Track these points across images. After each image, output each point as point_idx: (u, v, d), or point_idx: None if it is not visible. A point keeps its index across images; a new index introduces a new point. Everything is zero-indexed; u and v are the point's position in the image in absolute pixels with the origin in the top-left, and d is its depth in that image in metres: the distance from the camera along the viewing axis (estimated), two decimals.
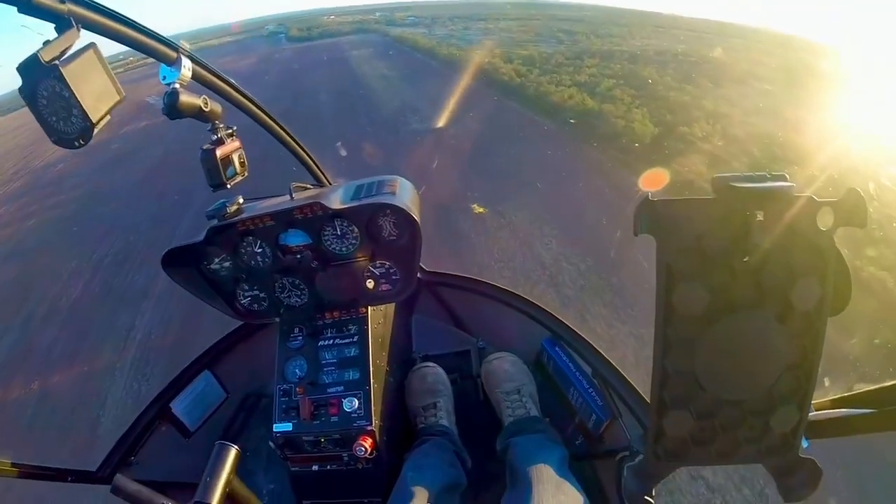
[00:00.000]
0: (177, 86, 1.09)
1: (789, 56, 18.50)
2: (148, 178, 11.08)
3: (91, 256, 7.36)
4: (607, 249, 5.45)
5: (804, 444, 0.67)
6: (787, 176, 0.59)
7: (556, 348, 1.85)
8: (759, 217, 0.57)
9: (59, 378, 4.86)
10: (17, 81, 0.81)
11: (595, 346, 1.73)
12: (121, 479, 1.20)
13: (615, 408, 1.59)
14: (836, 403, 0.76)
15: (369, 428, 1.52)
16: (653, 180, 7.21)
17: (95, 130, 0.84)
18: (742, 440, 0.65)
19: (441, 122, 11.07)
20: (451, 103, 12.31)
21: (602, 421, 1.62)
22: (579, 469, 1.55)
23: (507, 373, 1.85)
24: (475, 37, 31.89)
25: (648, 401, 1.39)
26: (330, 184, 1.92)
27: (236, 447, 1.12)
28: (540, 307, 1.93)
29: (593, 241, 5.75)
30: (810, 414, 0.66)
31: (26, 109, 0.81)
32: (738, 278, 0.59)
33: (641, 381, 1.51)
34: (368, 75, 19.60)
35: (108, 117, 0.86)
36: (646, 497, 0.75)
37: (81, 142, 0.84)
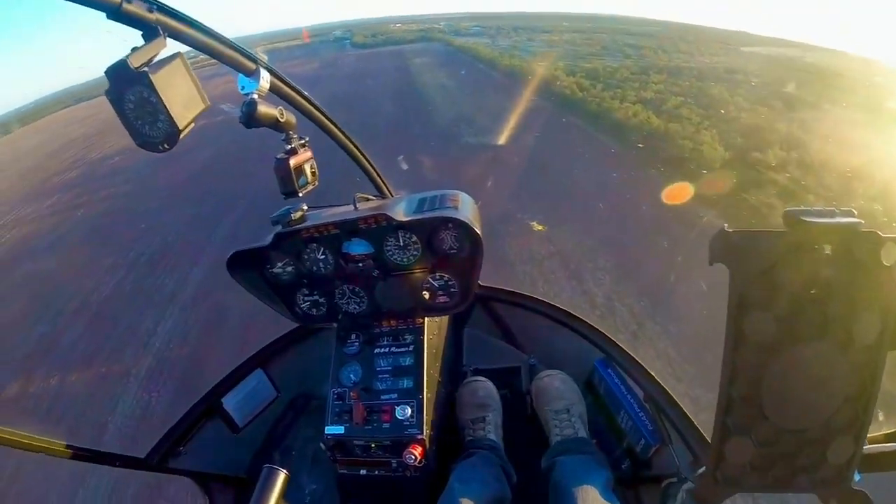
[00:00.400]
0: (255, 96, 1.11)
1: (865, 80, 16.99)
2: (196, 177, 11.28)
3: (128, 255, 7.58)
4: (663, 288, 5.14)
5: (857, 476, 0.68)
6: (855, 212, 0.61)
7: (608, 370, 1.84)
8: (827, 251, 0.60)
9: (77, 376, 5.08)
10: (88, 74, 0.78)
11: (647, 370, 1.70)
12: None
13: (665, 433, 1.56)
14: (889, 438, 0.77)
15: (420, 437, 1.56)
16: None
17: (181, 136, 0.85)
18: (798, 469, 0.67)
19: (497, 136, 10.87)
20: (509, 116, 12.09)
21: (651, 445, 1.61)
22: (623, 493, 1.55)
23: (557, 391, 1.86)
24: (538, 48, 31.59)
25: (700, 428, 1.40)
26: (392, 195, 1.98)
27: (285, 472, 1.12)
28: (593, 327, 1.92)
29: (649, 278, 5.44)
30: (864, 447, 0.67)
31: (96, 100, 0.82)
32: (805, 309, 0.62)
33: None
34: (428, 84, 19.76)
35: (193, 124, 0.87)
36: None
37: (166, 146, 0.85)
